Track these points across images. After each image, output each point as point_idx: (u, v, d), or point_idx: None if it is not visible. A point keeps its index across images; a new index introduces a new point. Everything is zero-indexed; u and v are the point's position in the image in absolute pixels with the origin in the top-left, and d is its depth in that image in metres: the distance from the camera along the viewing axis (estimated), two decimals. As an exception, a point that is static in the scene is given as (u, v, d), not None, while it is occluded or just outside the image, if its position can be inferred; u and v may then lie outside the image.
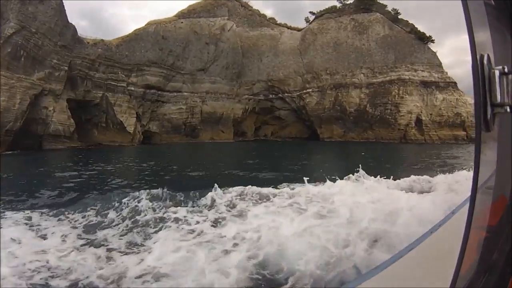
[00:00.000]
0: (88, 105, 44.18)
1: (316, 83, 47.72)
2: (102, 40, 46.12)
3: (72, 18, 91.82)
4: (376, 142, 42.43)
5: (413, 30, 46.65)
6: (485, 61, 0.70)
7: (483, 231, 0.84)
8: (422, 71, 45.43)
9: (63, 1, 41.42)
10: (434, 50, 46.57)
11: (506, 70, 0.74)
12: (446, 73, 46.22)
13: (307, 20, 51.93)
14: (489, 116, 0.70)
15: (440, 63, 46.57)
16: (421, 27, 46.29)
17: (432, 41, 46.92)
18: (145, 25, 49.23)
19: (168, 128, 48.33)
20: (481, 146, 0.68)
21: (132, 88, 46.14)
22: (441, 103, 44.81)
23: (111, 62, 45.24)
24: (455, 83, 45.91)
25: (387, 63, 46.04)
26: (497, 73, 0.72)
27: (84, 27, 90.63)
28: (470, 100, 44.94)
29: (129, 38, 47.57)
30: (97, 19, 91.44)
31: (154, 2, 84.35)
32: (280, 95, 49.23)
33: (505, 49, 0.94)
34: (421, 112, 43.91)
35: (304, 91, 47.82)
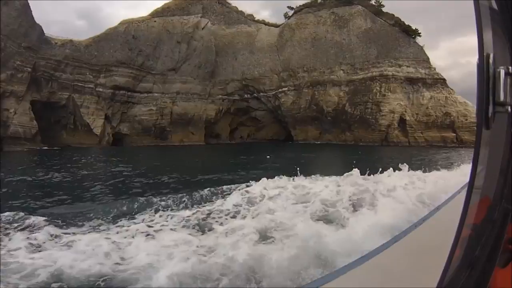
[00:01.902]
0: (55, 107, 42.96)
1: (293, 81, 44.63)
2: (71, 40, 44.93)
3: (70, 18, 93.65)
4: (355, 145, 38.81)
5: (397, 22, 42.92)
6: (490, 60, 0.71)
7: (468, 229, 0.86)
8: (407, 66, 41.55)
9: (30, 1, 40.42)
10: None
11: (510, 70, 0.76)
12: (434, 68, 42.16)
13: (286, 15, 49.10)
14: (490, 114, 0.71)
15: (428, 58, 42.56)
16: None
17: (419, 34, 43.04)
18: (118, 24, 47.91)
19: (139, 130, 46.39)
20: (480, 143, 0.69)
21: (101, 89, 44.56)
22: (429, 101, 40.74)
23: (79, 62, 43.92)
24: (444, 80, 41.73)
25: (369, 58, 42.45)
26: (502, 72, 0.74)
27: (81, 27, 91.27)
28: (461, 98, 40.64)
29: (99, 38, 46.20)
30: (94, 19, 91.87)
31: (152, 2, 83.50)
32: (255, 94, 46.42)
33: (507, 51, 1.00)
34: (405, 111, 39.97)
35: (280, 90, 44.82)
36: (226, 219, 6.26)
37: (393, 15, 43.96)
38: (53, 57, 42.23)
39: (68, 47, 43.85)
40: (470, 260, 0.95)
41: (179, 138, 45.20)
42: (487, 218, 1.08)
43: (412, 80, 41.20)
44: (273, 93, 45.17)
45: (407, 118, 39.55)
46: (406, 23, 42.97)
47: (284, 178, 9.22)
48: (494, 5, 0.93)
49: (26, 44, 40.35)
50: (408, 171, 9.72)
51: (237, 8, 51.05)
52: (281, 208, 6.41)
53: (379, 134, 39.39)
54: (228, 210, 6.77)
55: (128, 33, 46.45)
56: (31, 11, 41.60)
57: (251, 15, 50.62)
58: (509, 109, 0.76)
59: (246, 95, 46.99)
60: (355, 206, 6.45)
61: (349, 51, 43.35)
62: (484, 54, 0.70)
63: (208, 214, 6.50)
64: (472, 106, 40.19)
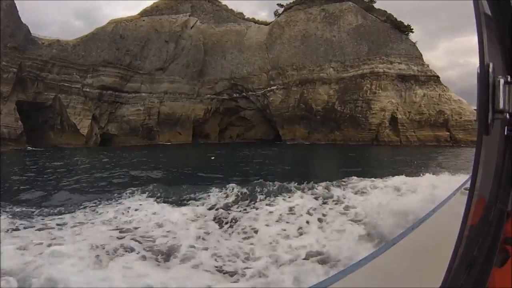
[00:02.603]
0: (41, 107, 42.62)
1: (282, 79, 43.55)
2: (58, 40, 44.67)
3: (68, 18, 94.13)
4: (344, 145, 37.51)
5: (389, 18, 41.62)
6: (490, 69, 0.74)
7: (466, 230, 0.88)
8: (399, 63, 40.17)
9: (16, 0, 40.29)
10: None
11: (509, 79, 0.80)
12: (427, 65, 40.71)
13: (276, 13, 48.16)
14: (489, 121, 0.74)
15: (420, 54, 41.14)
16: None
17: (411, 30, 41.66)
18: (106, 24, 47.55)
19: (127, 130, 45.77)
20: (481, 148, 0.72)
21: (88, 89, 44.11)
22: (421, 99, 39.28)
23: (66, 62, 43.56)
24: (438, 77, 40.24)
25: (359, 55, 41.17)
26: (502, 81, 0.78)
27: (78, 27, 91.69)
28: (455, 96, 39.15)
29: (87, 38, 45.84)
30: (93, 20, 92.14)
31: (150, 2, 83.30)
32: (244, 94, 45.45)
33: (507, 59, 1.03)
34: (397, 109, 38.55)
35: (268, 88, 43.77)
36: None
37: (385, 11, 42.67)
38: (40, 57, 41.97)
39: (55, 47, 43.58)
40: (468, 260, 0.96)
41: (166, 138, 44.45)
42: (483, 219, 1.09)
43: (404, 77, 39.80)
44: (262, 92, 44.15)
45: (399, 116, 38.12)
46: (399, 20, 41.65)
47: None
48: (489, 12, 0.95)
49: (12, 44, 40.19)
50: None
51: (227, 6, 50.36)
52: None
53: (369, 133, 38.01)
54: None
55: (115, 32, 46.02)
56: (17, 11, 41.53)
57: (241, 13, 49.88)
58: (507, 116, 0.80)
59: (234, 95, 46.08)
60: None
61: (339, 48, 42.16)
62: (485, 63, 0.72)
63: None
64: (467, 104, 38.68)
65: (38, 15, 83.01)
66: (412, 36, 41.70)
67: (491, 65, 0.75)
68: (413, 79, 39.88)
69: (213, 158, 20.00)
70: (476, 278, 0.95)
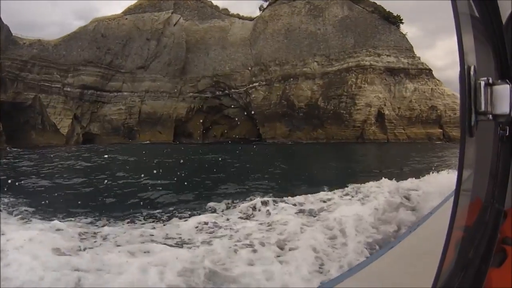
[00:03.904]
0: (22, 107, 42.37)
1: (264, 75, 41.63)
2: (39, 40, 44.48)
3: (66, 18, 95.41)
4: (326, 143, 35.17)
5: (376, 9, 39.12)
6: (472, 72, 0.75)
7: (460, 231, 0.88)
8: (388, 55, 37.56)
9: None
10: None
11: (490, 81, 0.81)
12: (419, 58, 37.92)
13: (261, 8, 46.40)
14: (473, 123, 0.75)
15: (411, 46, 38.39)
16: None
17: (401, 21, 39.02)
18: (88, 22, 47.12)
19: (109, 129, 44.94)
20: (465, 151, 0.72)
21: (69, 89, 43.60)
22: (412, 94, 36.54)
23: (47, 62, 43.27)
24: (430, 70, 37.40)
25: (345, 48, 38.80)
26: (482, 83, 0.79)
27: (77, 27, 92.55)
28: (449, 90, 36.23)
29: (68, 37, 45.49)
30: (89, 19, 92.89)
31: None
32: (226, 91, 43.80)
33: (488, 61, 1.06)
34: (384, 105, 35.92)
35: (251, 85, 41.96)
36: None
37: (374, 2, 40.22)
38: (20, 57, 41.80)
39: (35, 47, 43.39)
40: (464, 261, 0.95)
41: (147, 138, 43.23)
42: (480, 220, 1.10)
43: (393, 70, 37.17)
44: (244, 89, 42.38)
45: (386, 112, 35.47)
46: (388, 10, 39.07)
47: None
48: (476, 13, 0.94)
49: (-9, 45, 39.99)
50: None
51: (211, 2, 49.02)
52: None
53: (354, 130, 35.51)
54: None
55: (97, 31, 45.47)
56: (-2, 12, 41.39)
57: (226, 9, 48.38)
58: (490, 117, 0.81)
59: (217, 92, 44.50)
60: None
61: (324, 41, 39.91)
62: (466, 66, 0.72)
63: None
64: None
65: (37, 15, 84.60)
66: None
67: (472, 67, 0.75)
68: (403, 73, 37.19)
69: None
70: (472, 279, 0.93)
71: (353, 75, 36.97)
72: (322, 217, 5.11)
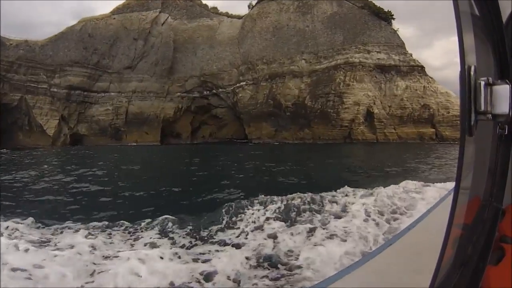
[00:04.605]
0: (8, 108, 42.08)
1: (251, 74, 40.56)
2: (26, 40, 44.19)
3: (65, 19, 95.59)
4: (313, 144, 33.86)
5: (366, 5, 37.77)
6: (472, 72, 0.75)
7: (459, 229, 0.90)
8: (378, 52, 36.14)
9: None
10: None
11: (490, 81, 0.82)
12: (411, 54, 36.40)
13: (250, 6, 45.40)
14: (472, 122, 0.76)
15: (403, 43, 36.91)
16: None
17: (392, 17, 37.58)
18: (76, 23, 46.76)
19: (96, 130, 44.33)
20: (464, 150, 0.73)
21: (55, 90, 43.14)
22: (404, 92, 35.01)
23: (33, 63, 42.92)
24: (422, 67, 35.84)
25: (334, 45, 37.51)
26: (482, 83, 0.79)
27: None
28: (442, 88, 34.67)
29: (56, 38, 45.12)
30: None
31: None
32: (214, 91, 42.84)
33: (488, 61, 1.07)
34: (374, 103, 34.45)
35: (238, 84, 40.93)
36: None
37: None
38: (6, 58, 41.54)
39: (22, 48, 43.11)
40: (462, 259, 0.96)
41: (134, 138, 42.49)
42: (478, 217, 1.11)
43: (383, 67, 35.71)
44: (232, 88, 41.36)
45: (376, 111, 33.99)
46: (378, 6, 37.66)
47: None
48: (476, 12, 0.94)
49: (-24, 46, 39.77)
50: None
51: (200, 1, 48.24)
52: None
53: (341, 130, 34.10)
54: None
55: (84, 31, 45.02)
56: (-17, 13, 41.17)
57: (215, 8, 47.54)
58: (490, 117, 0.82)
59: (205, 92, 43.57)
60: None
61: (312, 39, 38.68)
62: (466, 66, 0.73)
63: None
64: (455, 97, 33.96)
65: (35, 15, 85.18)
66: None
67: (472, 67, 0.75)
68: (394, 70, 35.72)
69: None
70: (470, 277, 0.94)
71: (341, 72, 35.63)
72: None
